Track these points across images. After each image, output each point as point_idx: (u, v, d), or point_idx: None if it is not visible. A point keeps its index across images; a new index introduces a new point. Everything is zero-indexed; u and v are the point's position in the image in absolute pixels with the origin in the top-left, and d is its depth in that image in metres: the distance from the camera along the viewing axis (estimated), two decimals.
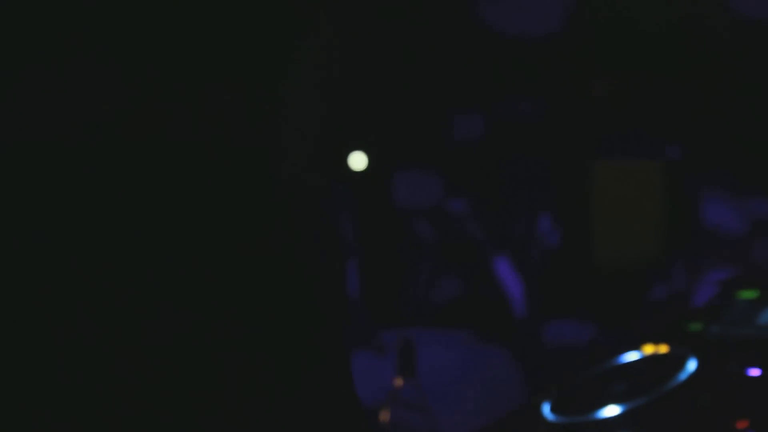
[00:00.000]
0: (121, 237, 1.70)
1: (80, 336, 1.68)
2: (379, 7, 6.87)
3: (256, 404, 1.67)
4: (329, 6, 2.03)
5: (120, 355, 1.68)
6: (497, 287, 6.69)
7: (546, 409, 3.33)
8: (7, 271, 1.70)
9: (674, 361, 3.36)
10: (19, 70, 1.83)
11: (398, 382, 3.83)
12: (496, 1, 7.58)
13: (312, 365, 1.75)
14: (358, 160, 9.25)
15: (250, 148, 1.83)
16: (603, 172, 9.18)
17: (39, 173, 1.74)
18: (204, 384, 1.69)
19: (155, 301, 1.69)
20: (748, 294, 3.68)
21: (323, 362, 1.78)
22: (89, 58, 1.84)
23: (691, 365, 3.28)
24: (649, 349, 3.58)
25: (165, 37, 1.85)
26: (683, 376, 3.25)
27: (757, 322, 3.56)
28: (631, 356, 3.61)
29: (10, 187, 1.73)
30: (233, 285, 1.73)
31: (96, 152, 1.74)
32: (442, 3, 7.82)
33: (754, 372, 3.34)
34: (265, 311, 1.74)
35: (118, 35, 1.77)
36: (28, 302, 1.67)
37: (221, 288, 1.72)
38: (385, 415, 3.79)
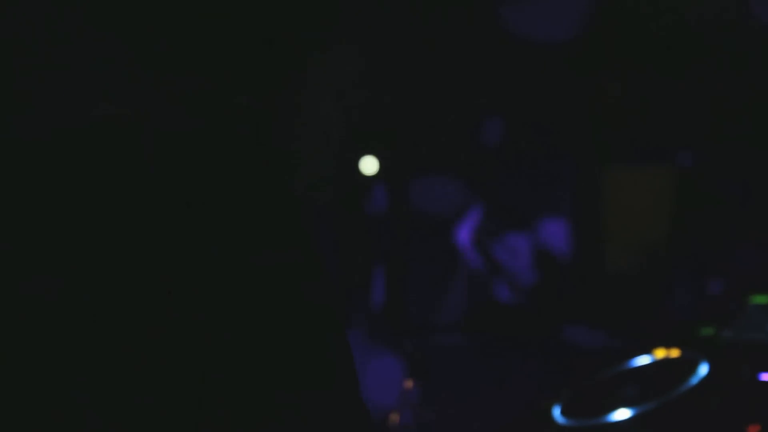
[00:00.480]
0: (126, 239, 1.69)
1: (84, 336, 1.67)
2: (398, 11, 6.88)
3: (258, 407, 1.67)
4: (348, 14, 2.02)
5: (123, 356, 1.67)
6: (511, 292, 6.68)
7: (556, 412, 3.33)
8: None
9: (686, 366, 3.36)
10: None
11: (408, 384, 3.83)
12: (514, 4, 7.57)
13: (317, 369, 1.74)
14: (369, 165, 9.25)
15: (265, 151, 1.82)
16: (615, 178, 9.16)
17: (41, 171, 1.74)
18: (206, 387, 1.68)
19: (157, 304, 1.68)
20: (761, 299, 3.68)
21: (329, 366, 1.77)
22: (90, 57, 1.84)
23: (703, 370, 3.28)
24: (660, 354, 3.57)
25: (178, 34, 1.85)
26: (695, 380, 3.24)
27: None
28: (643, 360, 3.61)
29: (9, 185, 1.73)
30: (239, 289, 1.72)
31: (98, 151, 1.73)
32: (461, 6, 7.82)
33: (767, 377, 3.34)
34: (271, 316, 1.73)
35: (123, 30, 1.78)
36: (28, 305, 1.66)
37: (227, 292, 1.70)
38: (395, 417, 3.79)
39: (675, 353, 3.58)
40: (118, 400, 1.64)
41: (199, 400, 1.61)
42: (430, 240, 7.01)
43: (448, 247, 7.46)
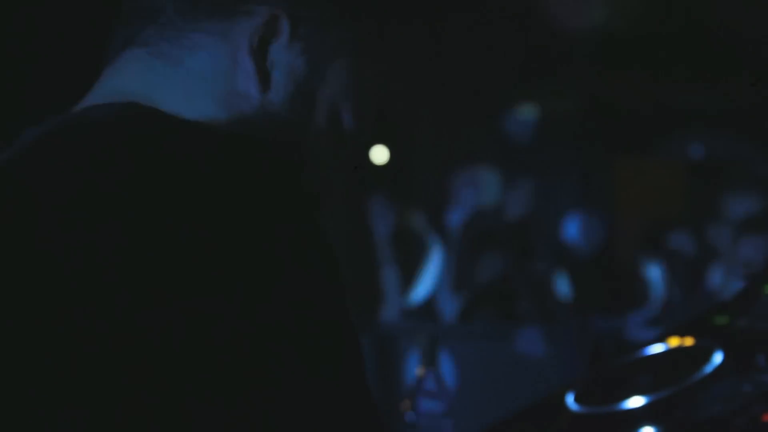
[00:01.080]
0: (141, 232, 1.68)
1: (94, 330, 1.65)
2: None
3: (267, 401, 1.66)
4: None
5: (132, 352, 1.65)
6: (522, 281, 6.70)
7: (570, 399, 3.35)
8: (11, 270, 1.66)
9: (700, 354, 3.37)
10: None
11: (421, 371, 3.84)
12: None
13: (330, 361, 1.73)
14: (379, 154, 9.24)
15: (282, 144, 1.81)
16: (625, 170, 9.18)
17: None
18: (214, 382, 1.66)
19: (173, 302, 1.66)
20: None
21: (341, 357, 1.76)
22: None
23: (717, 358, 3.29)
24: (674, 342, 3.58)
25: None
26: (709, 368, 3.26)
27: None
28: (657, 348, 3.62)
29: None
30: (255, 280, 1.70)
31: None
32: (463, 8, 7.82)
33: None
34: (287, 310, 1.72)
35: None
36: (30, 300, 1.64)
37: (243, 284, 1.69)
38: (407, 405, 3.80)
39: (689, 341, 3.59)
40: (124, 396, 1.64)
41: (202, 396, 1.60)
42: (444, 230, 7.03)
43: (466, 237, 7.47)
